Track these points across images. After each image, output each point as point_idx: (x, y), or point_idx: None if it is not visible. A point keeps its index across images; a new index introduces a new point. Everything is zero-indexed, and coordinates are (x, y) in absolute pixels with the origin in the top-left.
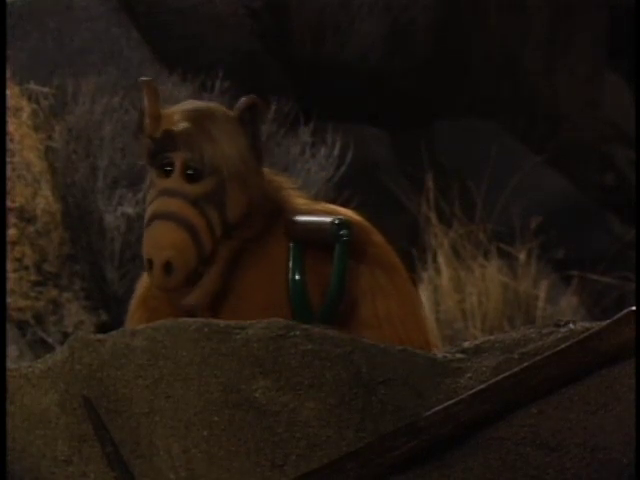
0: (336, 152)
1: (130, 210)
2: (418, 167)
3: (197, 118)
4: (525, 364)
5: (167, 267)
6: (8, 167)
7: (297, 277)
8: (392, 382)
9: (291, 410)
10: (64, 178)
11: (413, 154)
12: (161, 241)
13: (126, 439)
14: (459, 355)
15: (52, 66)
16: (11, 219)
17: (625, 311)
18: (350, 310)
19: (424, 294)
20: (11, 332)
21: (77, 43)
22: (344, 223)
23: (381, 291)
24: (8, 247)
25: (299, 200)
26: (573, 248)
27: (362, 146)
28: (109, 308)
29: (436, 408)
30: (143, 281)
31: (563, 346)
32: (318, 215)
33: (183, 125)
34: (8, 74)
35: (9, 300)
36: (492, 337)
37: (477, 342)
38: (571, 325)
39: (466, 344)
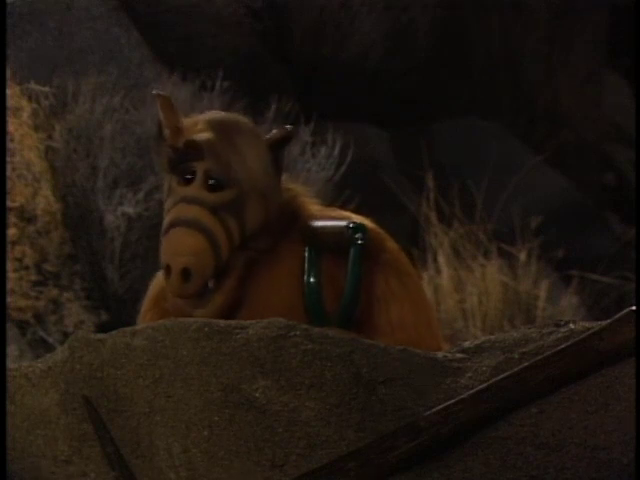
0: (336, 152)
1: (130, 210)
2: (418, 167)
3: (223, 129)
4: (525, 364)
5: (185, 273)
6: (8, 167)
7: (312, 280)
8: (392, 382)
9: (291, 410)
10: (64, 178)
11: (413, 154)
12: (180, 247)
13: (126, 439)
14: (459, 355)
15: (52, 66)
16: (11, 219)
17: (625, 311)
18: (363, 316)
19: None
20: (11, 332)
21: (77, 43)
22: (359, 227)
23: (394, 297)
24: (8, 247)
25: (314, 207)
26: (573, 248)
27: (362, 146)
28: (109, 308)
29: (436, 408)
30: (156, 282)
31: (563, 346)
32: (332, 220)
33: (208, 135)
34: (8, 74)
35: (9, 300)
36: (492, 337)
37: (477, 342)
38: (571, 325)
39: (466, 344)
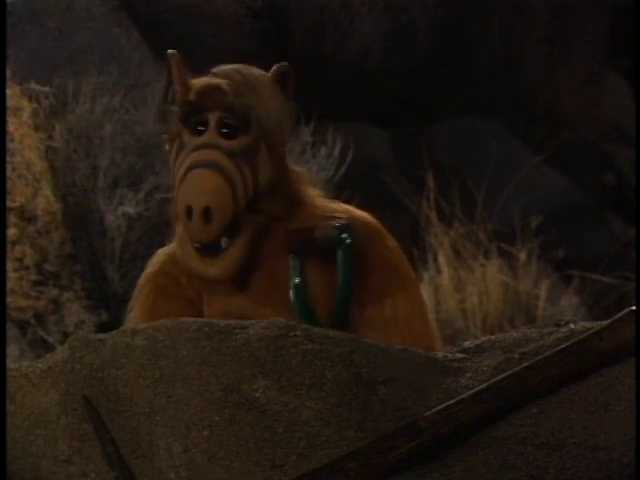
0: (337, 152)
1: (131, 210)
2: (418, 167)
3: (237, 72)
4: (525, 364)
5: (206, 213)
6: (8, 167)
7: (297, 280)
8: (392, 382)
9: (291, 410)
10: (64, 178)
11: (413, 154)
12: (201, 187)
13: (127, 439)
14: (460, 355)
15: (52, 66)
16: (11, 219)
17: (625, 311)
18: (356, 310)
19: (425, 294)
20: (12, 332)
21: (77, 43)
22: (345, 226)
23: (389, 293)
24: (8, 247)
25: (316, 198)
26: (573, 248)
27: (363, 146)
28: (110, 308)
29: (436, 408)
30: (155, 259)
31: (563, 346)
32: (317, 222)
33: (221, 81)
34: (8, 74)
35: (9, 300)
36: (493, 337)
37: (478, 342)
38: (571, 325)
39: (467, 344)
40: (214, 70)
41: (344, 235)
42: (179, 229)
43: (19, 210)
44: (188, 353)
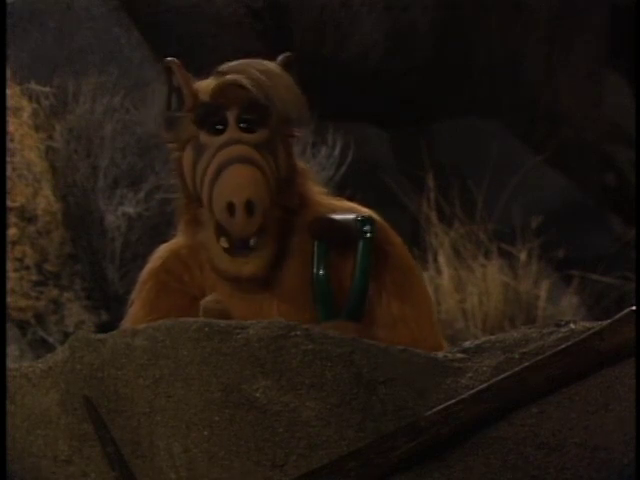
0: (337, 152)
1: (131, 210)
2: (418, 167)
3: (249, 66)
4: (526, 364)
5: (249, 206)
6: (9, 167)
7: (321, 272)
8: (393, 382)
9: (292, 410)
10: (65, 178)
11: (413, 154)
12: (239, 182)
13: (127, 439)
14: (460, 355)
15: (52, 66)
16: (12, 219)
17: (625, 311)
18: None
19: None
20: (12, 332)
21: (77, 43)
22: (367, 219)
23: (397, 291)
24: (9, 247)
25: (321, 195)
26: (573, 248)
27: (363, 146)
28: (110, 308)
29: (437, 408)
30: (157, 255)
31: (564, 346)
32: (340, 213)
33: (238, 76)
34: (8, 74)
35: (10, 300)
36: (493, 337)
37: (478, 342)
38: (572, 325)
39: (467, 344)
40: (222, 68)
41: (366, 227)
42: (202, 234)
43: (19, 210)
44: (188, 353)
